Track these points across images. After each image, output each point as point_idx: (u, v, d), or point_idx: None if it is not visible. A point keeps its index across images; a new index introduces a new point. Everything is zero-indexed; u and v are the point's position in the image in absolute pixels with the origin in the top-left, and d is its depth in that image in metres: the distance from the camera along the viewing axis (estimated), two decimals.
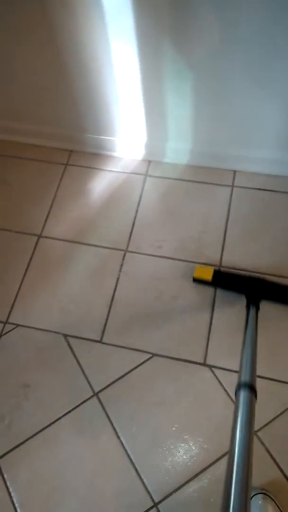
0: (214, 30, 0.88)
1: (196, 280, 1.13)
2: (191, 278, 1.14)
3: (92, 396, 1.03)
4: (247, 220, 1.22)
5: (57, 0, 0.89)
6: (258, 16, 0.84)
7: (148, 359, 1.06)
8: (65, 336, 1.11)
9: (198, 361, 1.05)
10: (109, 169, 1.34)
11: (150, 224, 1.25)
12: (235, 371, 1.02)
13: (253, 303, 1.01)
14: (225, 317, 1.10)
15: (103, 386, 1.04)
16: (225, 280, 1.13)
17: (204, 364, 1.05)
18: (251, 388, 0.70)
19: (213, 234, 1.21)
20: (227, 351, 1.06)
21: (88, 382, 1.05)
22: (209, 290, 1.13)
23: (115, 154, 1.34)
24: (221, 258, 1.18)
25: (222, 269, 1.16)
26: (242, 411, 0.66)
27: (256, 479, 0.92)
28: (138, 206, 1.27)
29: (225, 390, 1.01)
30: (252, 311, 0.97)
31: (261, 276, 1.13)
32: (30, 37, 1.01)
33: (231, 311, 1.11)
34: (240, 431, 0.62)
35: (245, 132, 1.16)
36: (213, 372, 1.04)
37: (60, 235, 1.25)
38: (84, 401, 1.03)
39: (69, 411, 1.02)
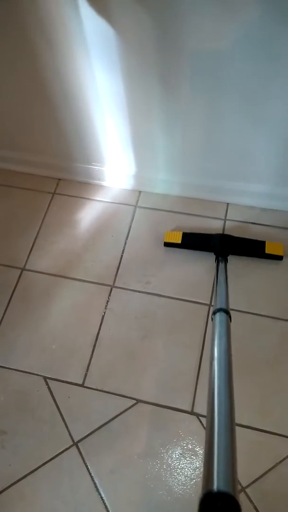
0: (203, 66, 0.84)
1: (167, 244, 1.18)
2: (180, 317, 1.09)
3: (71, 446, 0.97)
4: (239, 256, 1.17)
5: (40, 36, 0.86)
6: (250, 51, 0.80)
7: (132, 406, 1.00)
8: (46, 378, 1.05)
9: (185, 409, 0.99)
10: (97, 199, 1.30)
11: (139, 258, 1.20)
12: None
13: (222, 256, 1.10)
14: None
15: (84, 435, 0.98)
16: (193, 241, 1.18)
17: (191, 412, 0.99)
18: (226, 312, 0.82)
19: (205, 271, 1.16)
20: None
21: (68, 430, 0.99)
22: (200, 329, 1.08)
23: (104, 183, 1.30)
24: (211, 296, 1.12)
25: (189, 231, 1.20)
26: (219, 329, 0.77)
27: None
28: (127, 238, 1.23)
29: None
30: (222, 263, 1.07)
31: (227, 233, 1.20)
32: (16, 69, 0.97)
33: None
34: (219, 345, 0.71)
35: (238, 166, 1.11)
36: (200, 421, 0.98)
37: (44, 268, 1.20)
38: (63, 451, 0.97)
39: (47, 462, 0.96)
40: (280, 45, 0.77)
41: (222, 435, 0.52)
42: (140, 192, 1.29)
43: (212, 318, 0.84)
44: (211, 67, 0.84)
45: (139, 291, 1.15)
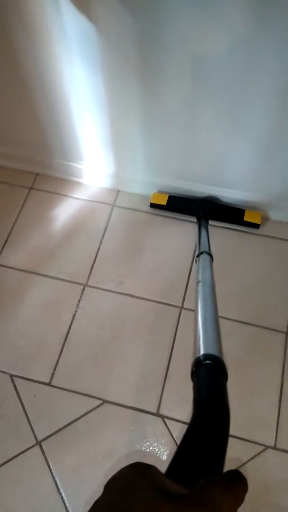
0: (183, 68, 0.84)
1: (153, 205, 1.23)
2: (151, 319, 1.09)
3: (34, 445, 0.96)
4: (216, 262, 1.18)
5: (18, 25, 0.84)
6: (231, 56, 0.80)
7: (98, 406, 1.00)
8: (12, 376, 1.03)
9: (150, 410, 0.99)
10: (75, 196, 1.28)
11: (114, 258, 1.19)
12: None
13: (204, 219, 1.16)
14: (182, 363, 1.05)
15: (47, 434, 0.97)
16: (178, 203, 1.23)
17: (157, 414, 0.99)
18: (208, 254, 0.95)
19: (178, 274, 1.16)
20: (181, 400, 1.00)
21: (32, 429, 0.97)
22: (170, 331, 1.08)
23: (82, 181, 1.29)
24: (183, 299, 1.13)
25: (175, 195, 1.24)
26: (203, 264, 0.89)
27: None
28: (102, 237, 1.22)
29: (177, 444, 0.96)
30: (203, 224, 1.13)
31: (211, 197, 1.22)
32: None
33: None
34: (203, 274, 0.83)
35: (216, 171, 1.12)
36: (165, 423, 0.98)
37: (17, 264, 1.18)
38: (26, 450, 0.96)
39: (8, 460, 0.95)
40: (260, 49, 0.77)
41: (208, 319, 0.63)
42: (118, 191, 1.29)
43: (195, 261, 0.95)
44: (191, 69, 0.84)
45: (112, 291, 1.14)
